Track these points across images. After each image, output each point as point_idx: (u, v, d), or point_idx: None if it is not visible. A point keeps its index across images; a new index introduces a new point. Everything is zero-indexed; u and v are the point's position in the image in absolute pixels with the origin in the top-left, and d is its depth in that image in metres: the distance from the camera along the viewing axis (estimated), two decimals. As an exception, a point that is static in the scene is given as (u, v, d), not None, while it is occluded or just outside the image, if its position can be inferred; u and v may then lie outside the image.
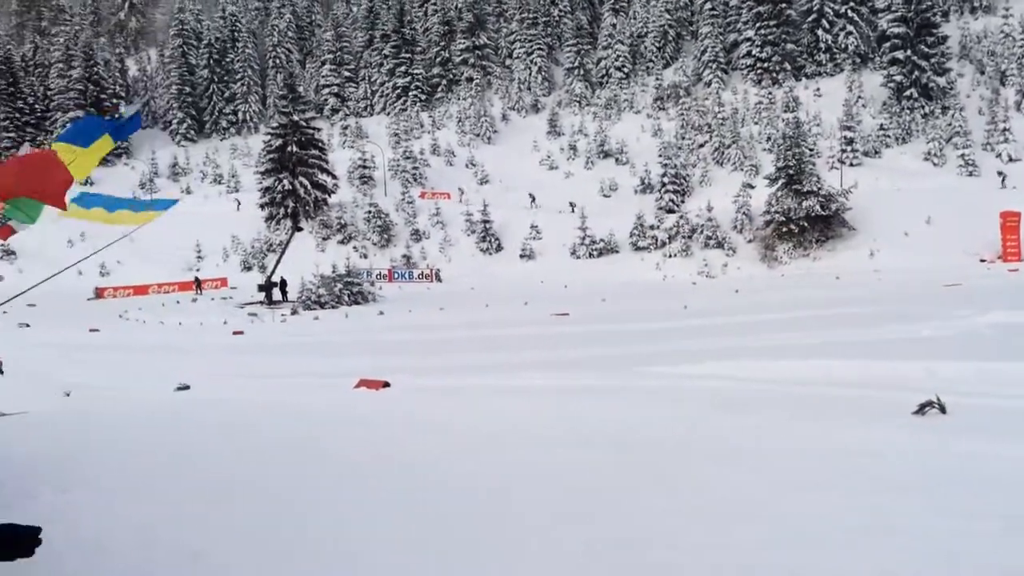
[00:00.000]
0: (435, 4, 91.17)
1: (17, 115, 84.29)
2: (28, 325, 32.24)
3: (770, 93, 70.31)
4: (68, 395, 14.48)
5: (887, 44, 66.12)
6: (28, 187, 5.29)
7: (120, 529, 5.07)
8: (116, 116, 6.88)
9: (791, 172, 52.79)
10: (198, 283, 53.43)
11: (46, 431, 9.43)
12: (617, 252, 57.11)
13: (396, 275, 56.90)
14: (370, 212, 63.46)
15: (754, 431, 7.47)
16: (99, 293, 53.14)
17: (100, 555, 4.59)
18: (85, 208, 7.48)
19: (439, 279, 55.66)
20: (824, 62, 73.62)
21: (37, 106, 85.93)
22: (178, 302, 46.38)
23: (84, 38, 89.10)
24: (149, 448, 8.18)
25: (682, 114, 71.38)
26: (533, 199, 63.10)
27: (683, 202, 60.01)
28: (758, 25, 73.87)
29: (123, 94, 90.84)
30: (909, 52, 64.04)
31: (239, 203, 68.68)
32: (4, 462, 7.30)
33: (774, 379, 11.00)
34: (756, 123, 68.04)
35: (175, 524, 5.13)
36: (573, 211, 60.78)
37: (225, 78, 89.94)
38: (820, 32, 73.42)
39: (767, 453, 6.50)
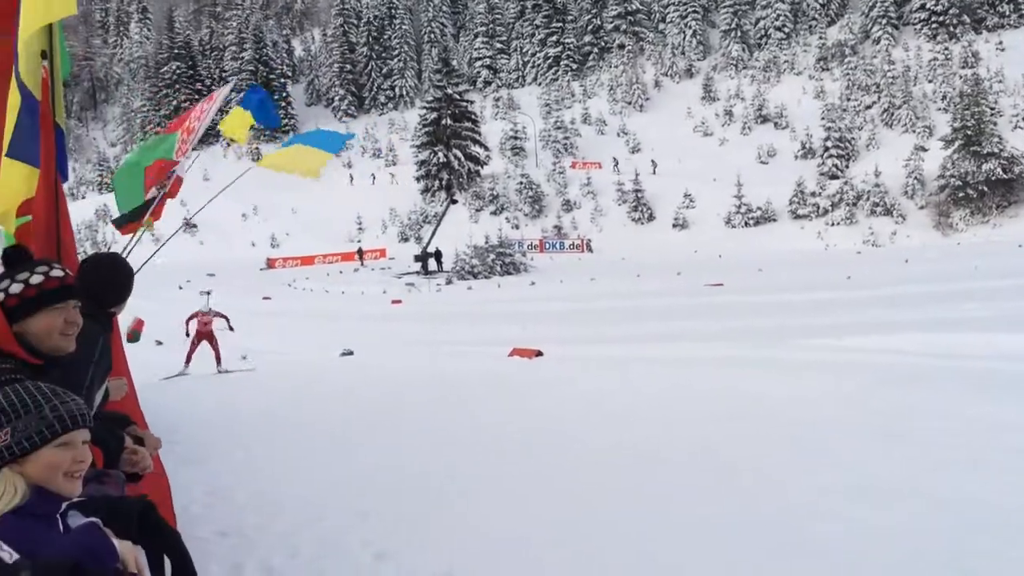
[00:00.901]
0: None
1: (196, 96, 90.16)
2: (208, 293, 34.64)
3: (946, 48, 65.37)
4: (244, 358, 15.57)
5: (1084, -11, 60.01)
6: None
7: (294, 487, 5.46)
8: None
9: (969, 133, 49.08)
10: (360, 253, 55.69)
11: (227, 391, 10.20)
12: (775, 221, 55.10)
13: (547, 245, 57.27)
14: (521, 183, 64.01)
15: (919, 407, 7.11)
16: (270, 263, 56.44)
17: (276, 509, 4.96)
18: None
19: (590, 249, 55.59)
20: (1007, 13, 67.61)
21: (214, 87, 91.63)
22: (341, 272, 48.62)
23: (254, 21, 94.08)
24: (318, 410, 8.71)
25: (847, 74, 67.57)
26: (655, 165, 62.73)
27: (847, 167, 57.07)
28: (934, -24, 68.64)
29: (290, 73, 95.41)
30: (1110, -4, 57.94)
31: (374, 177, 71.45)
32: (189, 420, 7.97)
33: (943, 353, 10.37)
34: (930, 81, 63.51)
35: (344, 485, 5.46)
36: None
37: (383, 55, 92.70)
38: (1006, -20, 67.48)
39: (932, 430, 6.18)
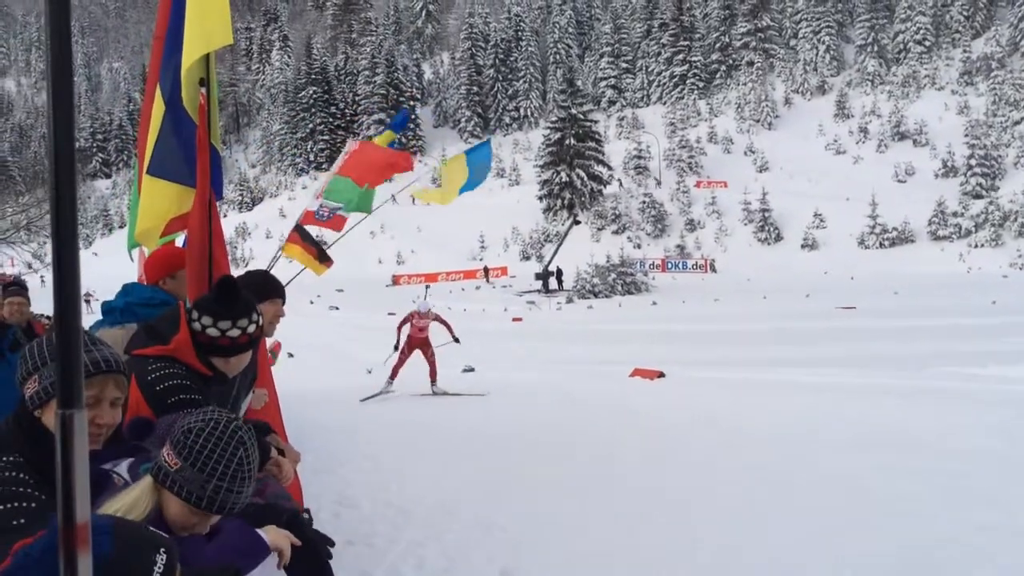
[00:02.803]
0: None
1: (330, 119, 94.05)
2: (337, 308, 35.93)
3: (1107, 59, 61.00)
4: (370, 372, 15.99)
5: None
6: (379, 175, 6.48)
7: (420, 498, 5.56)
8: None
9: None
10: (486, 271, 56.36)
11: (356, 405, 10.51)
12: (912, 242, 52.54)
13: (669, 265, 56.46)
14: (644, 202, 63.49)
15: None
16: (395, 280, 57.93)
17: (403, 520, 5.07)
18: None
19: (714, 269, 54.47)
20: None
21: (347, 110, 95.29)
22: (463, 289, 49.35)
23: (387, 47, 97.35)
24: (441, 424, 8.86)
25: (994, 88, 63.87)
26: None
27: (993, 186, 53.86)
28: (1093, -19, 64.31)
29: (419, 96, 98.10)
30: None
31: (519, 195, 71.85)
32: (324, 431, 8.25)
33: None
34: (1088, 94, 59.35)
35: (470, 498, 5.53)
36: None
37: (509, 76, 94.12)
38: None
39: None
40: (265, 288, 3.07)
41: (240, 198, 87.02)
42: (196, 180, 3.67)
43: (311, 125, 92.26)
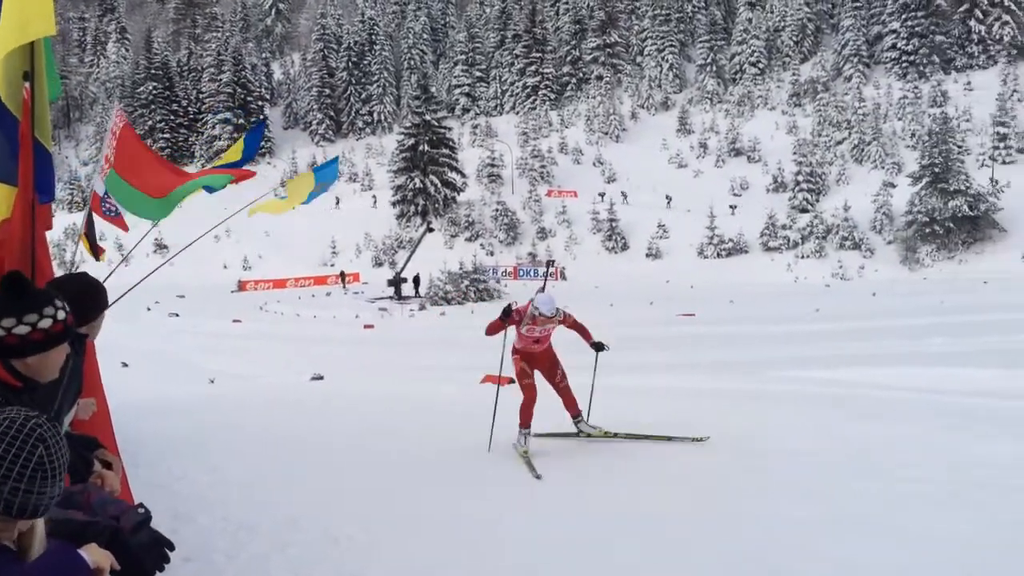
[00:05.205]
0: (567, 3, 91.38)
1: (172, 117, 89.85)
2: (177, 315, 34.30)
3: (916, 87, 66.87)
4: (212, 382, 15.37)
5: (1048, 33, 61.64)
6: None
7: (262, 512, 5.39)
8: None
9: (937, 170, 50.07)
10: (343, 276, 55.30)
11: (196, 416, 10.07)
12: (746, 252, 55.71)
13: (521, 273, 57.38)
14: (497, 210, 64.26)
15: (889, 441, 7.20)
16: (242, 286, 55.98)
17: (244, 534, 4.91)
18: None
19: (564, 277, 55.73)
20: (976, 54, 69.40)
21: (190, 108, 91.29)
22: (313, 295, 48.29)
23: (234, 43, 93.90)
24: (286, 434, 8.63)
25: (819, 110, 68.81)
26: (669, 200, 62.31)
27: (818, 201, 57.96)
28: (904, 16, 70.38)
29: (268, 96, 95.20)
30: (1073, 41, 59.56)
31: (375, 199, 70.64)
32: (160, 444, 7.87)
33: (911, 387, 10.52)
34: (899, 119, 64.87)
35: (314, 510, 5.41)
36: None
37: (362, 80, 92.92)
38: (972, 23, 69.26)
39: (905, 464, 6.25)
40: (82, 303, 2.81)
41: (70, 197, 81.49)
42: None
43: (151, 122, 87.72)
